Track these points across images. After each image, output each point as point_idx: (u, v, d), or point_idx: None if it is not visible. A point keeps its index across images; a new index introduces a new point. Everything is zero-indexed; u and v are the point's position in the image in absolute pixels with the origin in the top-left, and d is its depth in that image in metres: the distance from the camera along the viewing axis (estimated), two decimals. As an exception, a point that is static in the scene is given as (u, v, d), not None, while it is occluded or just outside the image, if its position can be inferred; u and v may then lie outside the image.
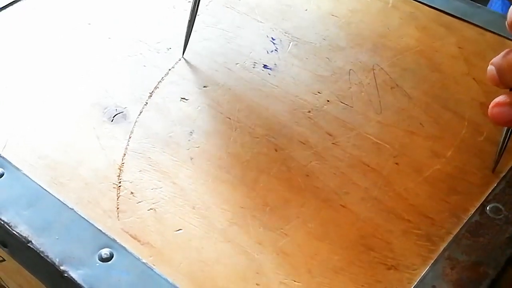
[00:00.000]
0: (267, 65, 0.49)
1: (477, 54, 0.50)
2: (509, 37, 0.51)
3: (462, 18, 0.53)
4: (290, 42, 0.51)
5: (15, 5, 0.54)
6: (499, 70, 0.36)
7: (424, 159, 0.42)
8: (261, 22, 0.53)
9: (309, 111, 0.46)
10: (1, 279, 0.49)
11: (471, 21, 0.53)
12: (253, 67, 0.49)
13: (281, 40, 0.51)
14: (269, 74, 0.48)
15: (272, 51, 0.50)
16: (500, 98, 0.36)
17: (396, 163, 0.42)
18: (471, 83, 0.48)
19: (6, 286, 0.50)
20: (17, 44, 0.51)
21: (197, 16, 0.53)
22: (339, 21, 0.53)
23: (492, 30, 0.52)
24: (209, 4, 0.54)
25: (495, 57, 0.36)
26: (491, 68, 0.36)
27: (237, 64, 0.49)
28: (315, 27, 0.52)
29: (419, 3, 0.55)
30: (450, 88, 0.47)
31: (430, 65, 0.49)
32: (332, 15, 0.54)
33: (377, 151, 0.43)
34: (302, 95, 0.47)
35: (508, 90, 0.36)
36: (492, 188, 0.41)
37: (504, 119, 0.36)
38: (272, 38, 0.51)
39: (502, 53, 0.36)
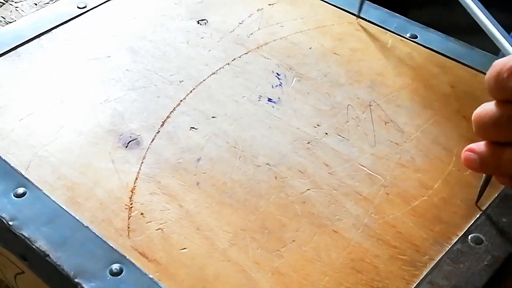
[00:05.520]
0: (271, 98, 0.53)
1: (468, 94, 0.53)
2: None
3: (456, 59, 0.56)
4: (294, 78, 0.55)
5: (43, 36, 0.59)
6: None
7: (412, 190, 0.46)
8: (268, 58, 0.57)
9: (308, 142, 0.49)
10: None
11: (465, 62, 0.56)
12: (259, 100, 0.53)
13: (285, 76, 0.55)
14: (273, 107, 0.52)
15: (277, 85, 0.54)
16: (472, 145, 0.40)
17: (387, 193, 0.45)
18: (461, 120, 0.51)
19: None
20: (42, 73, 0.55)
21: (208, 52, 0.57)
22: (340, 59, 0.57)
23: (484, 71, 0.55)
24: (220, 40, 0.59)
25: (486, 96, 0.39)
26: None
27: (244, 97, 0.53)
28: (317, 64, 0.56)
29: (416, 44, 0.58)
30: (441, 124, 0.51)
31: (423, 102, 0.53)
32: (334, 53, 0.57)
33: (369, 182, 0.46)
34: (303, 127, 0.50)
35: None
36: (474, 219, 0.44)
37: (469, 164, 0.40)
38: (277, 74, 0.55)
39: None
